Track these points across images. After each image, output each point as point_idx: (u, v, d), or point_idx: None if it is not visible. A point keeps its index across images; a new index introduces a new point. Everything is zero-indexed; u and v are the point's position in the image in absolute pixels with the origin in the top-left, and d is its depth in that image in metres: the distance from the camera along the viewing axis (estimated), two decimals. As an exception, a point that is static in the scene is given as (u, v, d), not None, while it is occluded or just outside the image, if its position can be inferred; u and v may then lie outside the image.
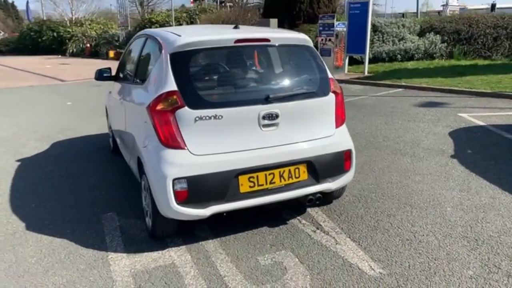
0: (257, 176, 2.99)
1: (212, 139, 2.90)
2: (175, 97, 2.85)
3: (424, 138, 5.85)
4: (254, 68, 3.25)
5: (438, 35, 14.61)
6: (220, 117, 2.89)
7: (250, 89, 3.13)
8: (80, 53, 31.03)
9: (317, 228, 3.37)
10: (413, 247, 3.06)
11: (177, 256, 3.02)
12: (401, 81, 10.81)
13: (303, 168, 3.14)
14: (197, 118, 2.85)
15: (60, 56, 31.42)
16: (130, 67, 4.28)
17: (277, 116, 3.01)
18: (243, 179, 2.95)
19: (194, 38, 3.02)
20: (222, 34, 3.14)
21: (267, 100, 3.00)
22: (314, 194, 3.23)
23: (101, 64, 22.31)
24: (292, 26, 16.63)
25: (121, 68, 4.64)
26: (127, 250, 3.11)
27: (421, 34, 15.40)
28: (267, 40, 3.19)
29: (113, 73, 4.70)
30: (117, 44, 28.20)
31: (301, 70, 3.32)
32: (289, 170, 3.09)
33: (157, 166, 2.87)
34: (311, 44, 3.43)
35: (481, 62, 13.14)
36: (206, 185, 2.86)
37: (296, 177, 3.13)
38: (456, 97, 8.88)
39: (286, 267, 2.86)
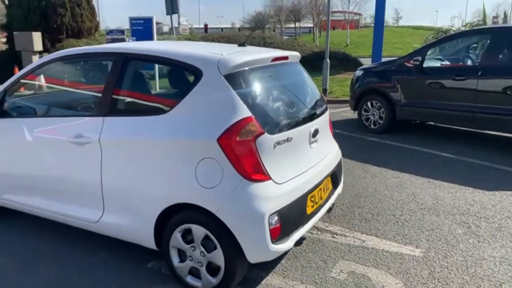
0: (315, 195, 2.97)
1: (286, 163, 2.70)
2: (253, 123, 2.49)
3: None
4: (291, 86, 3.13)
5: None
6: (290, 139, 2.72)
7: (300, 107, 3.03)
8: None
9: (333, 234, 3.56)
10: (410, 225, 3.71)
11: (262, 303, 2.64)
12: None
13: (329, 179, 3.29)
14: (275, 144, 2.59)
15: None
16: (91, 96, 3.21)
17: (318, 132, 3.06)
18: (308, 200, 2.87)
19: (242, 58, 2.67)
20: (259, 53, 2.89)
21: (311, 117, 3.01)
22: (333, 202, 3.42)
23: None
24: (55, 41, 14.73)
25: (40, 99, 3.36)
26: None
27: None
28: (286, 58, 3.14)
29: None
30: None
31: (311, 86, 3.41)
32: (325, 183, 3.19)
33: (246, 205, 2.43)
34: (298, 60, 3.56)
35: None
36: (292, 214, 2.65)
37: (327, 189, 3.25)
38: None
39: (362, 274, 2.98)
